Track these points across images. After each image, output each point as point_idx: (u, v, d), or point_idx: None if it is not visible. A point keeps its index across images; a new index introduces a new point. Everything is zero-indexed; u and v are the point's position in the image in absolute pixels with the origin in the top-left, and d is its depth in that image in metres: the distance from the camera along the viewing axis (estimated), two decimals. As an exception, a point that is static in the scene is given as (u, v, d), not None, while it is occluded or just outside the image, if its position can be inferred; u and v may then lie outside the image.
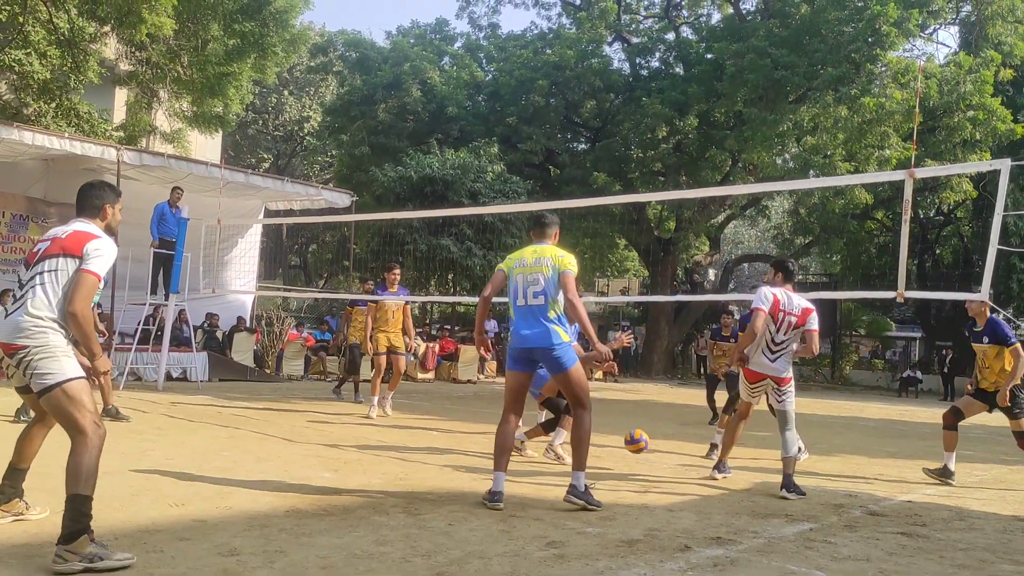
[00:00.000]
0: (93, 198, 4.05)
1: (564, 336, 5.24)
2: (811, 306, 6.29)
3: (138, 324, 13.03)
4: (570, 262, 5.30)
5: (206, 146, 24.70)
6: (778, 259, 6.83)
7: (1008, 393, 6.95)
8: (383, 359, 10.38)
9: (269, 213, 19.21)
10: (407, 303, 10.68)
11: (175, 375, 13.61)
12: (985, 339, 7.13)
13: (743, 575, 3.89)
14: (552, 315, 5.22)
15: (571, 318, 5.31)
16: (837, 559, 4.28)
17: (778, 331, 6.18)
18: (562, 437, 7.16)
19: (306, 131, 39.80)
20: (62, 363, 3.72)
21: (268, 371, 16.03)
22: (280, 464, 6.30)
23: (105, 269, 3.83)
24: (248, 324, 17.09)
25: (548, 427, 7.27)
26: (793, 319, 6.19)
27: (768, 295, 6.21)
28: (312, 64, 35.10)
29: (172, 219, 13.32)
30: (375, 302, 10.36)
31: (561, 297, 5.23)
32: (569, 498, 5.08)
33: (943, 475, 7.18)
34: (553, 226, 5.59)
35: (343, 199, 17.91)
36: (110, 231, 4.08)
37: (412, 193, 21.07)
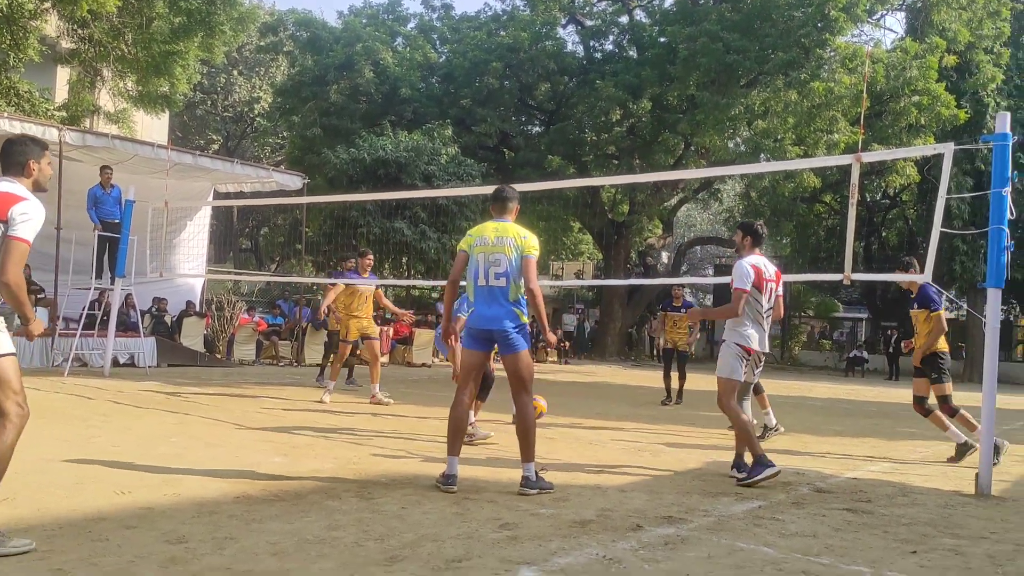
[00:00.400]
0: (16, 155, 3.78)
1: (523, 318, 5.25)
2: (778, 268, 6.36)
3: (83, 309, 12.73)
4: (533, 245, 5.28)
5: (153, 127, 24.11)
6: (746, 222, 6.51)
7: (922, 356, 7.28)
8: (349, 347, 10.35)
9: (219, 195, 18.86)
10: (378, 287, 10.62)
11: (122, 361, 13.34)
12: (915, 304, 7.42)
13: (693, 553, 3.94)
14: (513, 297, 5.19)
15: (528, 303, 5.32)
16: (785, 536, 4.36)
17: (766, 300, 6.10)
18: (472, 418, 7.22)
19: (256, 112, 39.12)
20: None
21: (219, 356, 15.80)
22: (230, 450, 6.22)
23: (34, 233, 3.63)
24: (198, 308, 16.81)
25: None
26: (774, 284, 6.15)
27: (749, 271, 5.96)
28: (262, 44, 34.47)
29: (109, 200, 12.99)
30: (347, 285, 10.24)
31: (522, 281, 5.21)
32: (523, 490, 5.07)
33: (963, 451, 7.27)
34: (514, 201, 5.50)
35: (295, 181, 17.66)
36: (39, 187, 3.85)
37: (365, 175, 20.86)
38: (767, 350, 6.23)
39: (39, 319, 3.88)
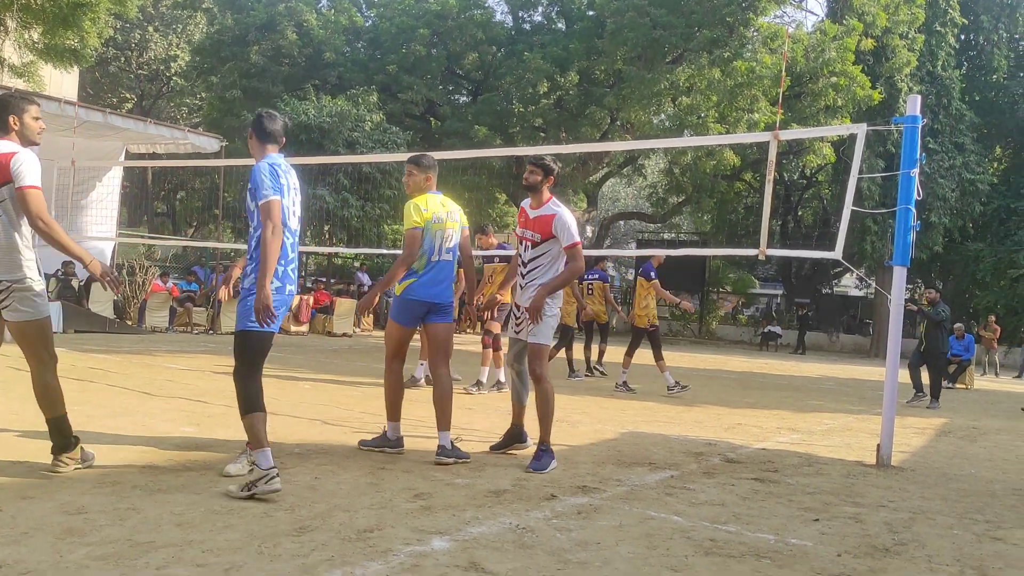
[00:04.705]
0: None
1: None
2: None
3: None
4: (464, 217, 5.54)
5: (62, 82, 23.02)
6: (541, 161, 5.40)
7: None
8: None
9: (132, 156, 18.14)
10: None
11: (25, 326, 12.77)
12: None
13: (605, 522, 3.99)
14: (455, 270, 5.45)
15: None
16: (694, 504, 4.46)
17: None
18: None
19: (173, 71, 37.72)
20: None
21: (130, 323, 15.29)
22: (138, 419, 6.02)
23: (37, 178, 3.95)
24: (108, 273, 16.20)
25: None
26: None
27: (574, 223, 5.34)
28: (179, -1, 33.15)
29: None
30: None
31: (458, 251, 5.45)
32: (439, 459, 5.07)
33: None
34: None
35: (212, 144, 17.13)
36: (28, 142, 4.09)
37: (287, 140, 20.26)
38: None
39: (95, 258, 4.10)
